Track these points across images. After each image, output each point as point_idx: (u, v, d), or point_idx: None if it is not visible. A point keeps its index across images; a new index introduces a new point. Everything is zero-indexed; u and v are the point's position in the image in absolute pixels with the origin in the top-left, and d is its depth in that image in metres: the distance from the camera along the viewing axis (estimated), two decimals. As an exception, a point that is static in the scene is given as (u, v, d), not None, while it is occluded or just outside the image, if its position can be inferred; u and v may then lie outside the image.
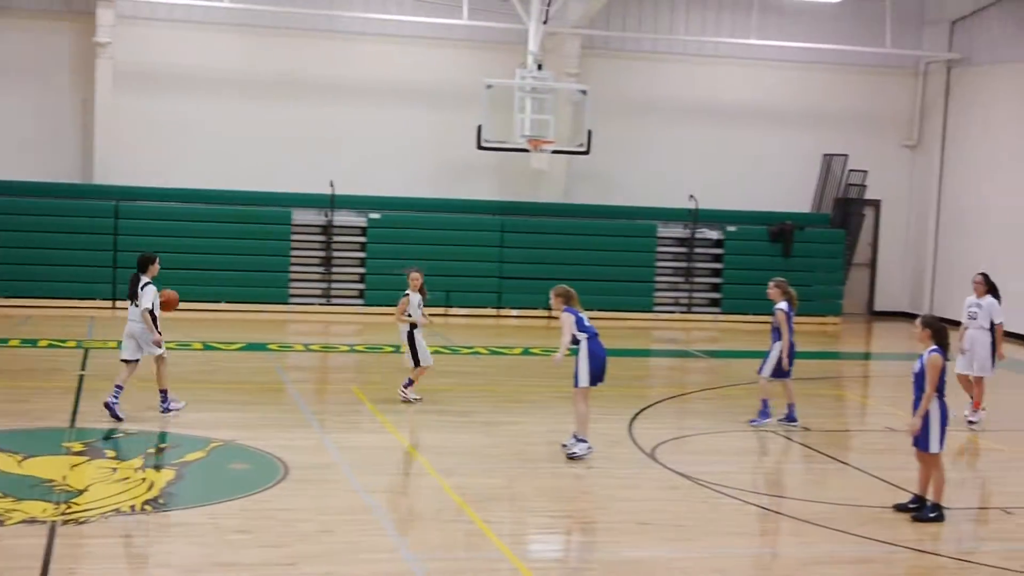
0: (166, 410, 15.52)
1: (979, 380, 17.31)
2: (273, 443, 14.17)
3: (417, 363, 16.95)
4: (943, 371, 12.17)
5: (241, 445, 14.09)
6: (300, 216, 25.97)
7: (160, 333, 15.30)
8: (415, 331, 16.91)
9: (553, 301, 14.51)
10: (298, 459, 13.61)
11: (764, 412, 16.49)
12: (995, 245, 27.28)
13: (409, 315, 16.82)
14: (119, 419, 14.90)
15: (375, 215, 26.17)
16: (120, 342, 15.59)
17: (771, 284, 16.86)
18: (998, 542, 12.10)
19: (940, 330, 12.30)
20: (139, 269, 15.47)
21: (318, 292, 26.15)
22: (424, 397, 17.09)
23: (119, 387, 15.17)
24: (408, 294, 16.86)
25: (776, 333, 16.51)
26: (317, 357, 21.65)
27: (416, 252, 25.92)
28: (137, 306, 15.27)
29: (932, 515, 12.28)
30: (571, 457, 14.25)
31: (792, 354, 16.46)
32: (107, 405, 15.01)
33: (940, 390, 12.21)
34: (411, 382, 17.07)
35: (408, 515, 11.78)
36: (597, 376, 14.35)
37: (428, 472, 13.42)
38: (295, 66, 26.70)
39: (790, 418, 16.42)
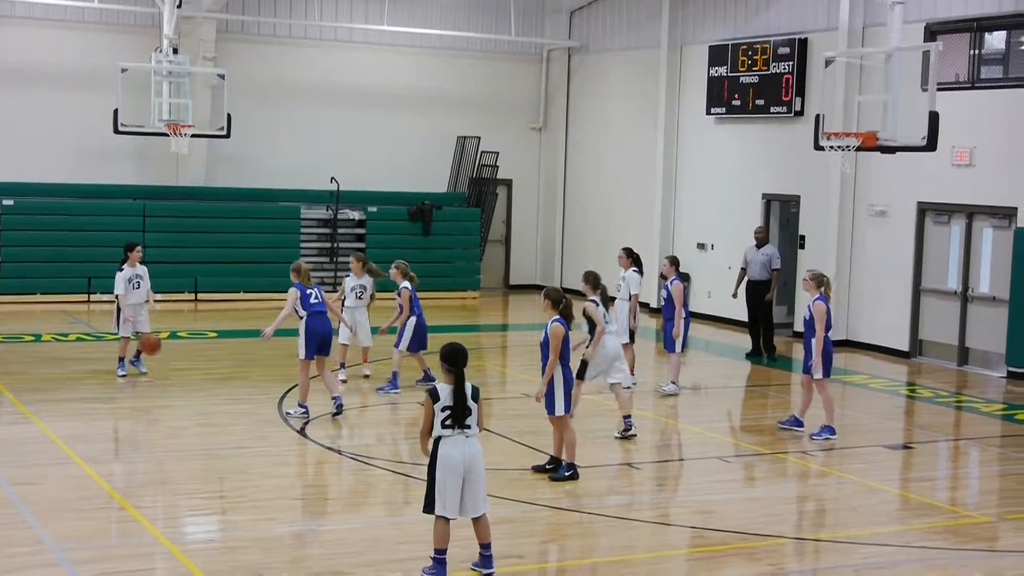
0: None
1: (625, 347, 17.93)
2: (-94, 440, 13.23)
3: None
4: (565, 339, 12.52)
5: None
6: (-74, 205, 24.35)
7: (125, 320, 17.41)
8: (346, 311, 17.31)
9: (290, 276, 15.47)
10: (-66, 456, 12.76)
11: (393, 383, 17.01)
12: (612, 217, 28.48)
13: (343, 299, 17.44)
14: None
15: (8, 202, 24.78)
16: None
17: (392, 266, 17.40)
18: (626, 495, 12.66)
19: (560, 301, 12.64)
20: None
21: (-50, 282, 24.58)
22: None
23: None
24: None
25: (402, 309, 16.95)
26: (-49, 349, 20.31)
27: (56, 239, 24.88)
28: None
29: (567, 474, 12.69)
30: (288, 414, 15.06)
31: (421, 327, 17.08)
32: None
33: (563, 357, 12.57)
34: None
35: (53, 506, 11.20)
36: (316, 350, 14.93)
37: (74, 461, 12.83)
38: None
39: (393, 385, 17.06)
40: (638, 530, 11.26)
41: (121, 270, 17.57)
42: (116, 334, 17.77)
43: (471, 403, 9.54)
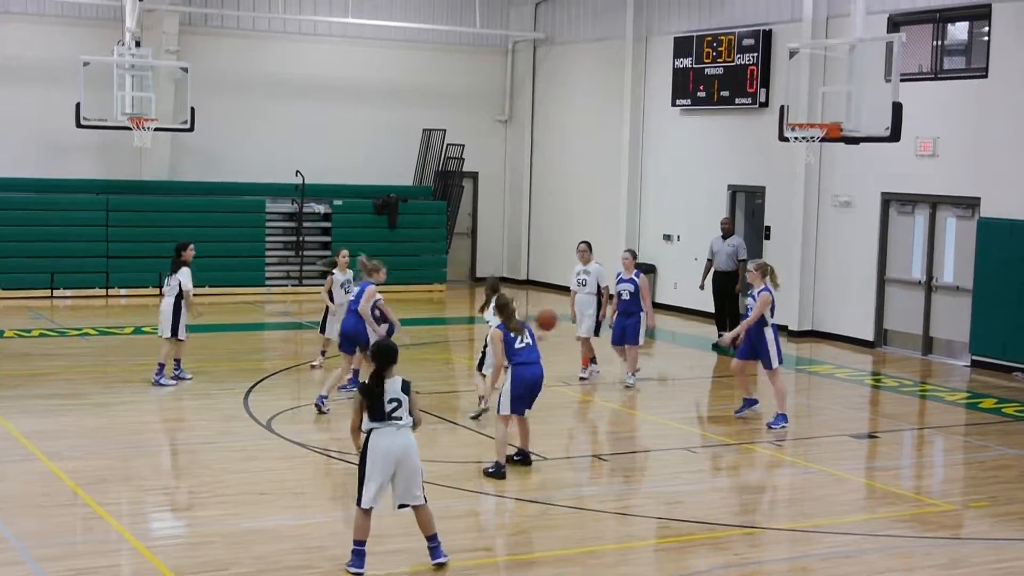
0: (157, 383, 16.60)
1: (586, 340, 17.90)
2: None
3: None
4: (505, 342, 12.44)
5: None
6: None
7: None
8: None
9: None
10: None
11: (354, 380, 16.89)
12: (578, 209, 28.50)
13: (331, 293, 17.47)
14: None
15: (-33, 198, 24.63)
16: None
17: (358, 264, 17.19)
18: (593, 487, 12.68)
19: (504, 305, 12.67)
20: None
21: (-89, 279, 24.36)
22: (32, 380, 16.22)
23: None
24: (334, 273, 17.58)
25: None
26: (-87, 346, 20.13)
27: (18, 234, 24.70)
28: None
29: (491, 471, 12.39)
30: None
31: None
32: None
33: (511, 358, 12.53)
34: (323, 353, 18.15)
35: (17, 503, 11.13)
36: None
37: (37, 457, 12.75)
38: None
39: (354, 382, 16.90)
40: (605, 521, 11.28)
41: (179, 269, 17.29)
42: (169, 337, 16.85)
43: (401, 395, 9.57)
